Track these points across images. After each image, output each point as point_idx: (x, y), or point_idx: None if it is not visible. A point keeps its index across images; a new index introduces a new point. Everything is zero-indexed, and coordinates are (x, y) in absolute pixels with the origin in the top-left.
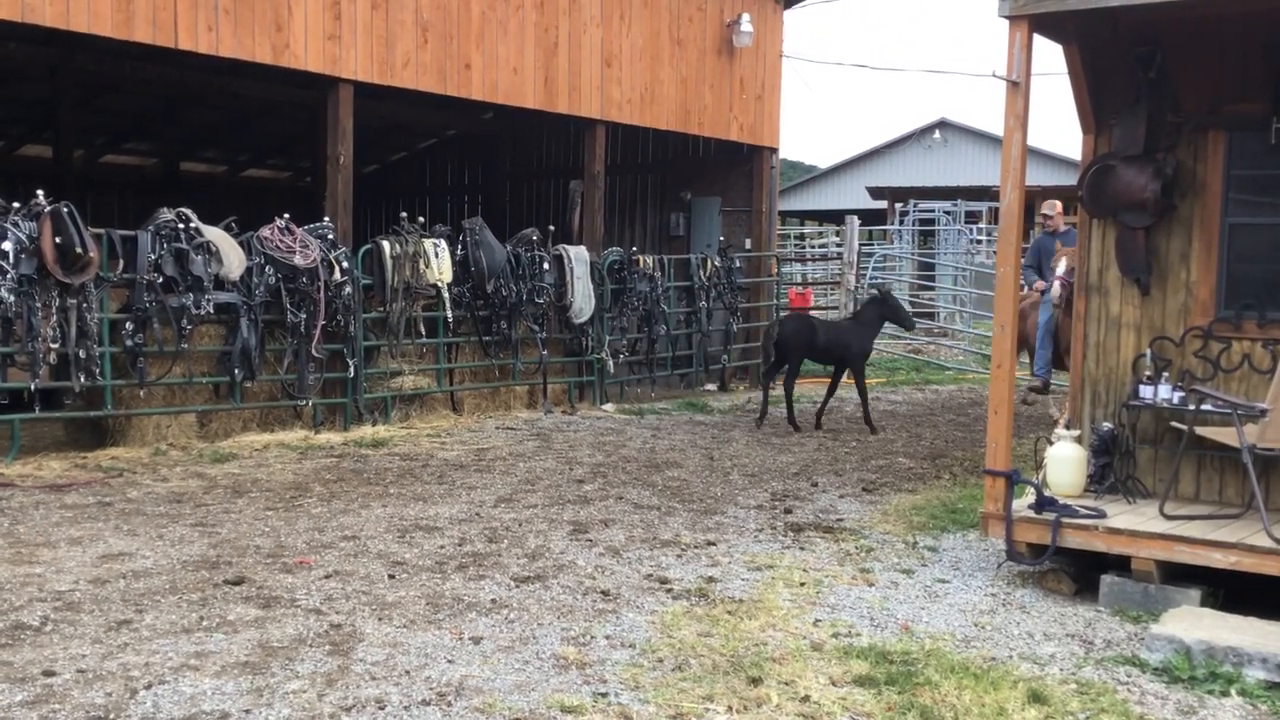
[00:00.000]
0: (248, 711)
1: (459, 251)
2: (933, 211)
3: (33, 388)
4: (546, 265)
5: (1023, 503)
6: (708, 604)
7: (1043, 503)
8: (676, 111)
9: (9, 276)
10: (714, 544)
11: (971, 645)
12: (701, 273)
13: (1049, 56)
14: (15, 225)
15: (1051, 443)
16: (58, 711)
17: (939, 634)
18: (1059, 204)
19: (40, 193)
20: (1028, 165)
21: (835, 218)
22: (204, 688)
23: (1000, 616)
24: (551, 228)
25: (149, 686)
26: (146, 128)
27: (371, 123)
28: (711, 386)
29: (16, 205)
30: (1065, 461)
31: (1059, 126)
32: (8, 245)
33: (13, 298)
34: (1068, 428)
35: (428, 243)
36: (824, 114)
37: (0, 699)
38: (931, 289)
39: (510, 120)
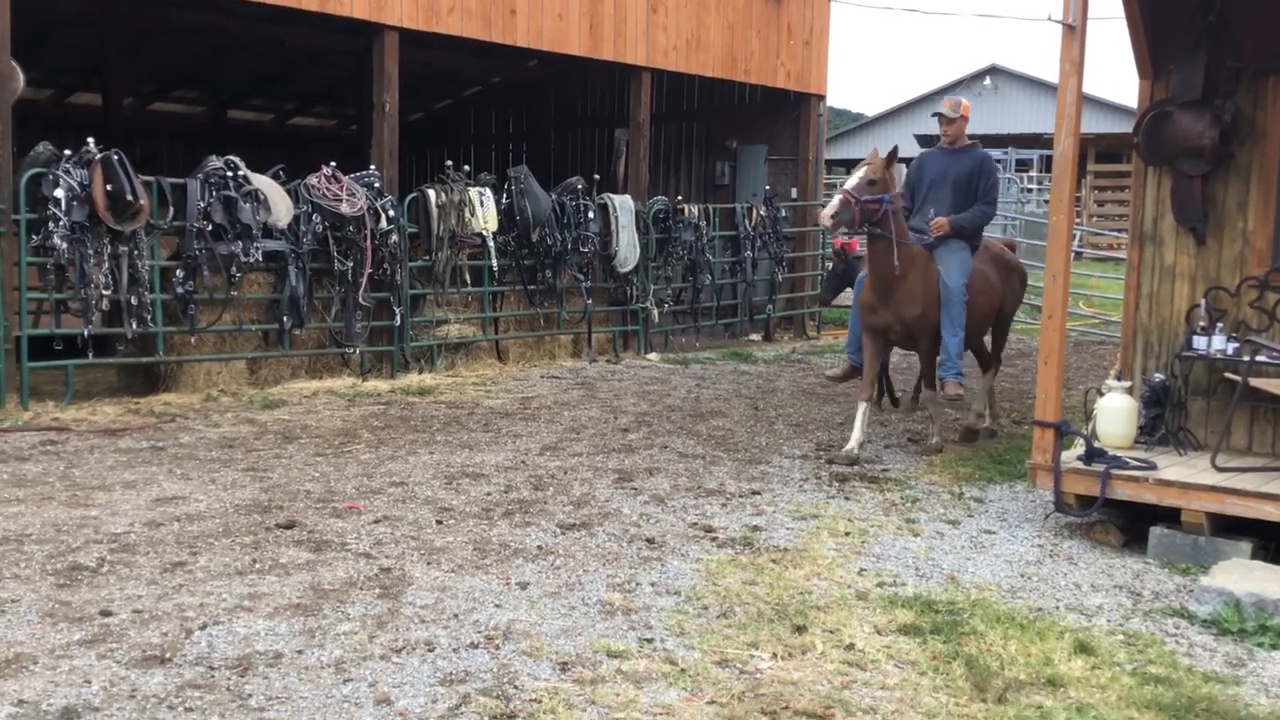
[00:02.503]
0: (300, 652)
1: (504, 200)
2: None
3: (86, 334)
4: (591, 214)
5: (1071, 454)
6: (752, 552)
7: (1092, 454)
8: (722, 58)
9: (61, 224)
10: (759, 493)
11: (1018, 596)
12: (747, 222)
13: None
14: (67, 173)
15: (1102, 394)
16: (115, 650)
17: (985, 584)
18: (964, 102)
19: (91, 140)
20: (1082, 112)
21: None
22: (257, 628)
23: (1047, 567)
24: (596, 176)
25: (204, 627)
26: (194, 75)
27: (417, 70)
28: (756, 336)
29: (68, 153)
30: (1116, 413)
31: (1115, 72)
32: (60, 193)
33: (65, 245)
34: (1118, 378)
35: (473, 191)
36: (872, 60)
37: (59, 638)
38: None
39: (555, 67)
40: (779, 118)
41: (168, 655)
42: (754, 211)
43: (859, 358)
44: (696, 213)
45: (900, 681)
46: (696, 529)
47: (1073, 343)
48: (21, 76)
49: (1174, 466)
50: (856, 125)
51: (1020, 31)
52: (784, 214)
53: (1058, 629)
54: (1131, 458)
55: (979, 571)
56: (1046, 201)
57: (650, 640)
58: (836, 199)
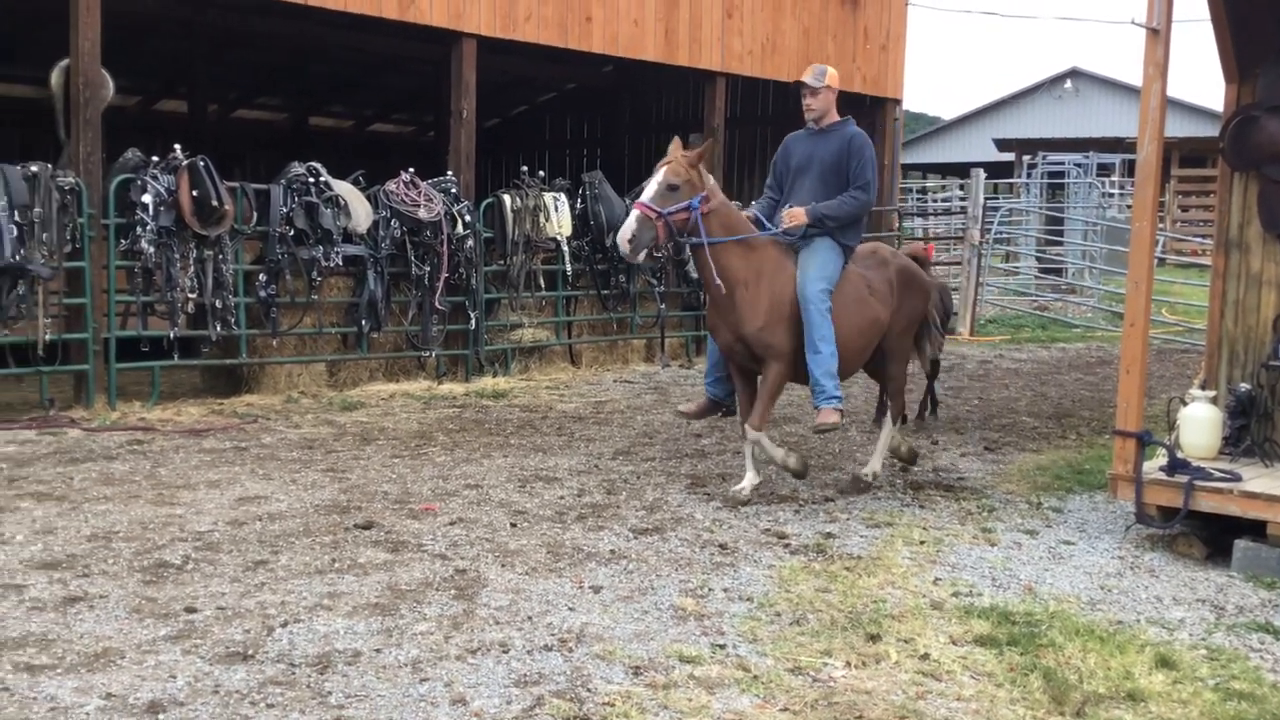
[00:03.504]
0: (378, 651)
1: (578, 205)
2: (1062, 164)
3: (171, 336)
4: None
5: (1154, 464)
6: (826, 560)
7: (1175, 464)
8: (798, 63)
9: (149, 229)
10: (831, 500)
11: (1097, 608)
12: None
13: (1190, 2)
14: (154, 179)
15: (1185, 403)
16: (199, 646)
17: (1064, 596)
18: (831, 71)
19: (178, 147)
20: (1166, 116)
21: (959, 171)
22: (336, 627)
23: (1128, 580)
24: None
25: (285, 624)
26: (277, 82)
27: (493, 77)
28: None
29: (155, 159)
30: (1200, 423)
31: (1200, 75)
32: (148, 198)
33: (153, 249)
34: (1203, 388)
35: (548, 196)
36: (950, 63)
37: (146, 633)
38: (1060, 244)
39: (630, 73)
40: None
41: (250, 652)
42: None
43: (717, 390)
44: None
45: (976, 693)
46: (769, 535)
47: (1155, 351)
48: (111, 84)
49: (1260, 478)
50: (933, 129)
51: (1102, 33)
52: None
53: (1138, 642)
54: (1216, 469)
55: (1057, 583)
56: (1128, 207)
57: (723, 646)
58: (632, 218)
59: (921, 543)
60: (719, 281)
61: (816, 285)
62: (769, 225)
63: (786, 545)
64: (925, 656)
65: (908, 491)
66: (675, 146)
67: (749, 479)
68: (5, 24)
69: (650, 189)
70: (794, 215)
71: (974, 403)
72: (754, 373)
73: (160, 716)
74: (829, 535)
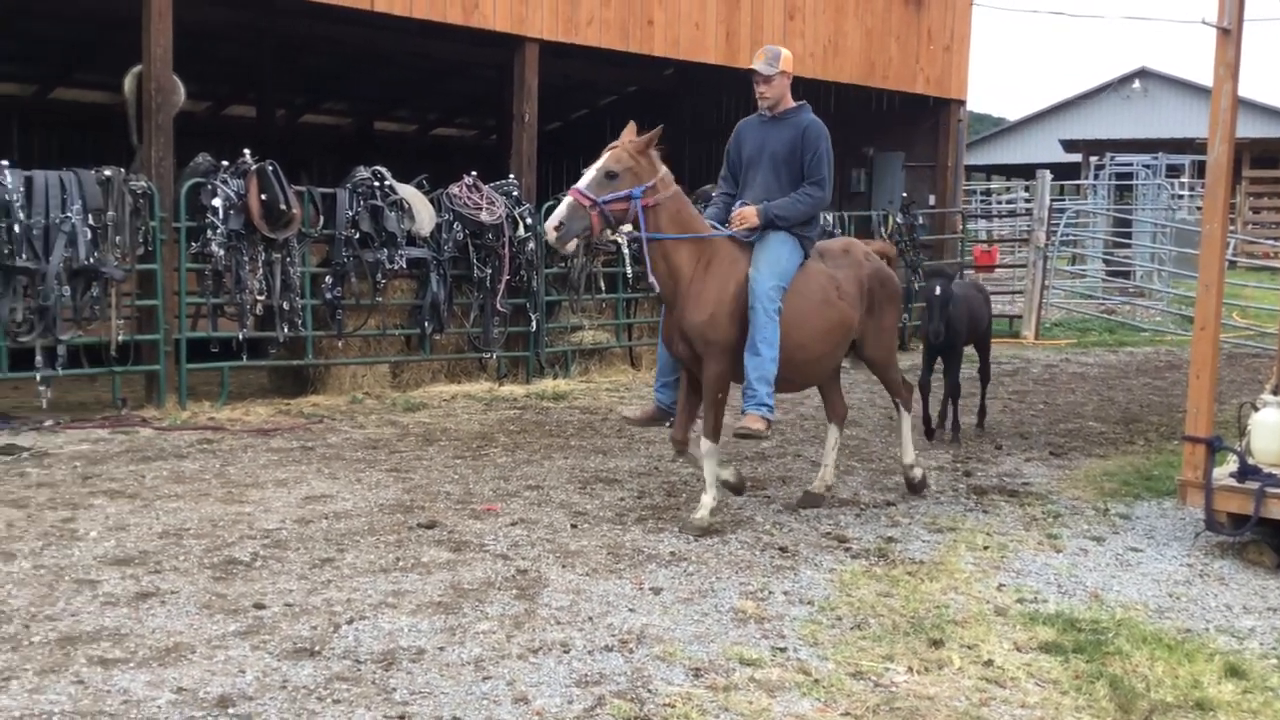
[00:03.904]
0: (441, 649)
1: None
2: (1131, 165)
3: (240, 337)
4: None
5: (1224, 471)
6: (887, 564)
7: (1246, 471)
8: (860, 64)
9: (219, 232)
10: (893, 504)
11: (1165, 616)
12: (883, 230)
13: (1262, 1)
14: (224, 183)
15: (1257, 409)
16: (268, 642)
17: (1131, 603)
18: (785, 53)
19: (247, 151)
20: (1238, 116)
21: (1025, 172)
22: (401, 625)
23: (1196, 588)
24: None
25: (350, 621)
26: (343, 88)
27: (555, 81)
28: None
29: (225, 163)
30: (1271, 428)
31: (1271, 75)
32: (218, 202)
33: (222, 252)
34: (1275, 393)
35: None
36: (1015, 63)
37: (216, 629)
38: (1128, 246)
39: (690, 76)
40: (917, 124)
41: (317, 648)
42: (890, 219)
43: (664, 397)
44: (831, 220)
45: (1041, 700)
46: (830, 539)
47: (1226, 355)
48: (182, 90)
49: None
50: (997, 130)
51: (1171, 33)
52: (921, 221)
53: (1207, 651)
54: None
55: (1124, 590)
56: (1198, 209)
57: (783, 649)
58: (563, 205)
59: (985, 548)
60: (652, 278)
61: (768, 282)
62: (721, 228)
63: (847, 549)
64: (989, 663)
65: (971, 496)
66: (628, 131)
67: (706, 500)
68: (79, 31)
69: (588, 175)
70: (744, 216)
71: (1039, 407)
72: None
73: (230, 710)
74: (890, 539)
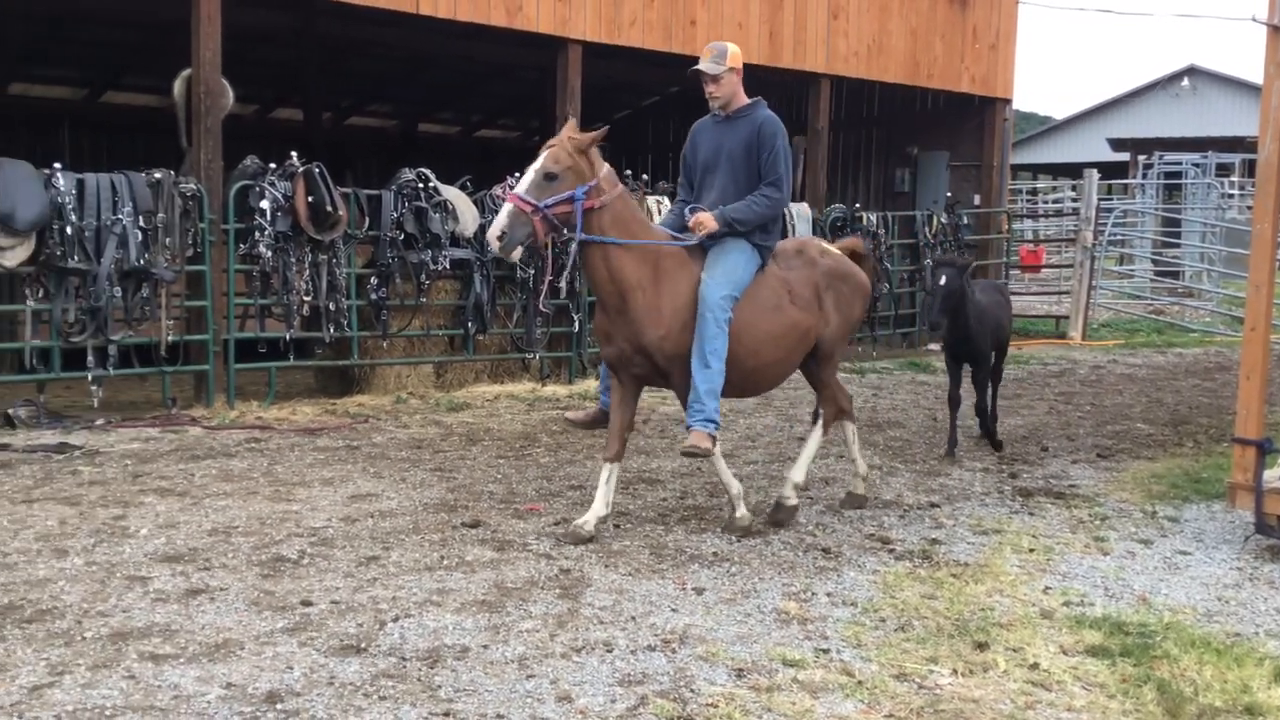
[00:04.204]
0: (485, 647)
1: None
2: (1180, 164)
3: (287, 338)
4: None
5: (1274, 473)
6: (931, 566)
7: None
8: (905, 63)
9: (267, 234)
10: (937, 506)
11: (1214, 620)
12: (927, 229)
13: None
14: (272, 185)
15: None
16: (315, 639)
17: (1179, 607)
18: (732, 50)
19: (294, 154)
20: None
21: (1072, 171)
22: (445, 622)
23: (1246, 591)
24: None
25: (396, 619)
26: (388, 90)
27: (598, 82)
28: (935, 346)
29: (273, 166)
30: None
31: None
32: (265, 204)
33: (270, 253)
34: None
35: (651, 200)
36: (1062, 61)
37: (264, 625)
38: (1177, 246)
39: None
40: (962, 123)
41: (363, 645)
42: (934, 219)
43: (610, 399)
44: (875, 220)
45: (1087, 704)
46: (873, 540)
47: (1276, 356)
48: (231, 93)
49: None
50: (1044, 129)
51: (1221, 30)
52: (966, 221)
53: (1256, 656)
54: None
55: (1173, 593)
56: (1248, 208)
57: (826, 650)
58: (504, 212)
59: (1031, 551)
60: (622, 275)
61: (719, 291)
62: (680, 237)
63: (891, 551)
64: (1034, 666)
65: (1016, 498)
66: (569, 128)
67: (596, 510)
68: (129, 36)
69: (526, 178)
70: (701, 222)
71: (1086, 408)
72: (638, 384)
73: (278, 706)
74: (934, 541)
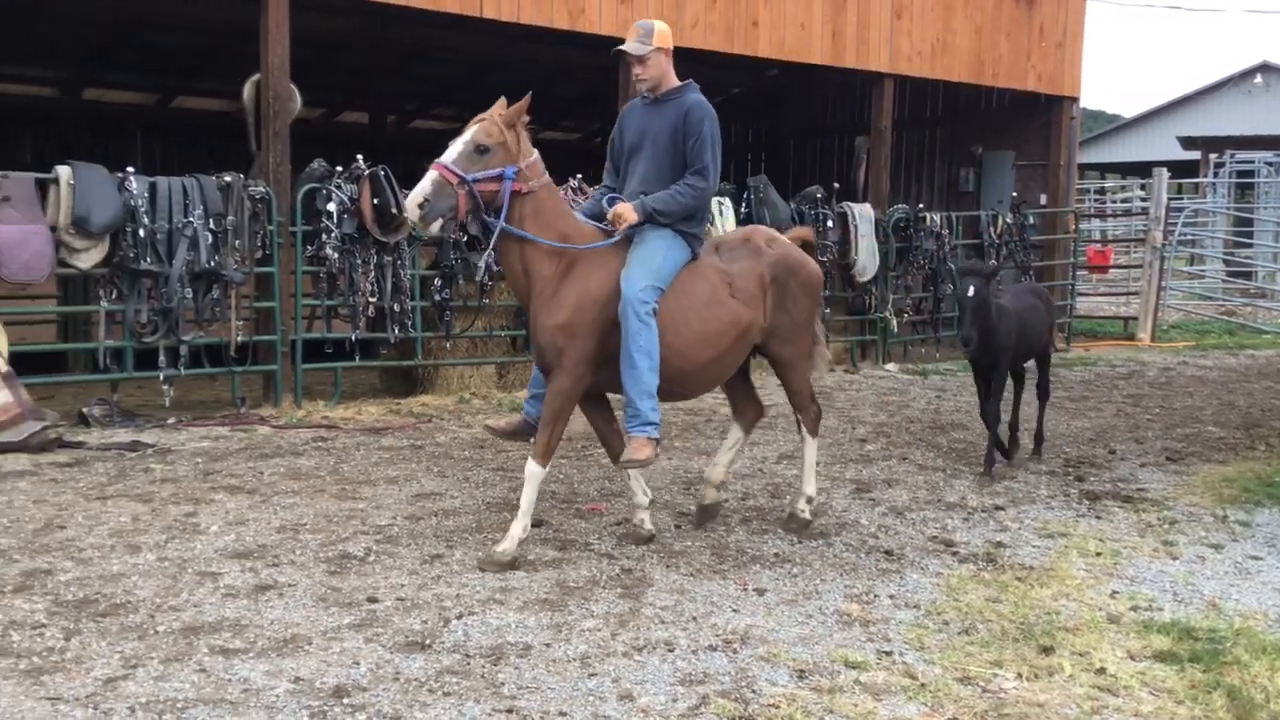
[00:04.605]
0: (548, 645)
1: (743, 209)
2: (1252, 163)
3: (353, 338)
4: (830, 223)
5: None
6: (996, 569)
7: None
8: (969, 62)
9: (333, 235)
10: (1002, 509)
11: None
12: (992, 230)
13: None
14: (338, 188)
15: None
16: (380, 635)
17: (1250, 613)
18: (659, 28)
19: (360, 157)
20: None
21: (1141, 170)
22: (508, 620)
23: None
24: (836, 185)
25: (460, 617)
26: (451, 93)
27: None
28: None
29: (339, 169)
30: None
31: None
32: (332, 206)
33: (336, 255)
34: None
35: (713, 201)
36: (1130, 59)
37: (332, 620)
38: (1249, 246)
39: (795, 76)
40: (1028, 122)
41: (427, 642)
42: (999, 219)
43: (533, 410)
44: (939, 221)
45: (1155, 710)
46: (936, 543)
47: None
48: (298, 98)
49: None
50: (1112, 128)
51: None
52: (1031, 221)
53: None
54: None
55: (1243, 599)
56: None
57: (889, 653)
58: (427, 180)
59: (1098, 554)
60: (536, 267)
61: (640, 283)
62: (604, 227)
63: (955, 553)
64: (1101, 671)
65: (1083, 501)
66: (499, 105)
67: (515, 529)
68: (199, 41)
69: (454, 148)
70: (620, 214)
71: (1155, 411)
72: (599, 391)
73: (345, 700)
74: (999, 544)
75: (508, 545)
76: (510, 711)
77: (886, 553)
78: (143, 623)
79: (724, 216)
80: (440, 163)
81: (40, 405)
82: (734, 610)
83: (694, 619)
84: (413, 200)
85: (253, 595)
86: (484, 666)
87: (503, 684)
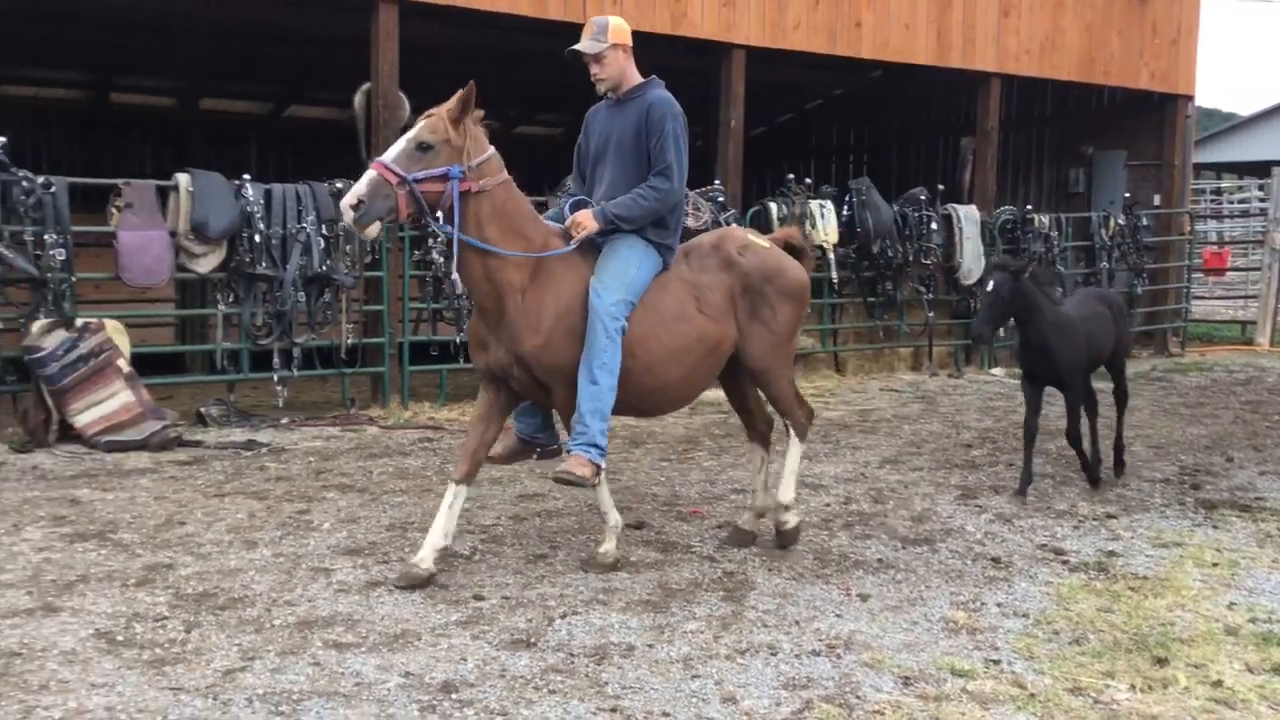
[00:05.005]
0: (651, 646)
1: (845, 212)
2: None
3: (458, 340)
4: (934, 225)
5: None
6: (1108, 578)
7: None
8: (1079, 60)
9: (439, 239)
10: (1114, 517)
11: None
12: (1103, 232)
13: None
14: None
15: None
16: (487, 632)
17: None
18: (615, 24)
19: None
20: None
21: (1259, 170)
22: (611, 621)
23: None
24: (941, 186)
25: (564, 616)
26: (556, 99)
27: (760, 86)
28: None
29: None
30: None
31: None
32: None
33: (442, 259)
34: None
35: (814, 204)
36: (1247, 55)
37: (439, 618)
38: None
39: (898, 77)
40: (1141, 121)
41: (532, 640)
42: (1111, 220)
43: (524, 425)
44: (1047, 222)
45: None
46: (1045, 551)
47: None
48: (408, 105)
49: None
50: (1228, 126)
51: None
52: (1145, 223)
53: None
54: None
55: None
56: None
57: (997, 661)
58: (364, 179)
59: (1214, 565)
60: (455, 276)
61: (611, 296)
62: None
63: (1065, 562)
64: (1218, 683)
65: (1199, 510)
66: (458, 99)
67: (431, 541)
68: (311, 51)
69: (395, 145)
70: (578, 222)
71: (1275, 418)
72: (513, 398)
73: (453, 696)
74: (1111, 553)
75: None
76: (614, 711)
77: (994, 560)
78: (259, 616)
79: (825, 219)
80: (379, 161)
81: (160, 405)
82: (837, 615)
83: (797, 623)
84: (347, 201)
85: (364, 591)
86: (588, 666)
87: (606, 683)
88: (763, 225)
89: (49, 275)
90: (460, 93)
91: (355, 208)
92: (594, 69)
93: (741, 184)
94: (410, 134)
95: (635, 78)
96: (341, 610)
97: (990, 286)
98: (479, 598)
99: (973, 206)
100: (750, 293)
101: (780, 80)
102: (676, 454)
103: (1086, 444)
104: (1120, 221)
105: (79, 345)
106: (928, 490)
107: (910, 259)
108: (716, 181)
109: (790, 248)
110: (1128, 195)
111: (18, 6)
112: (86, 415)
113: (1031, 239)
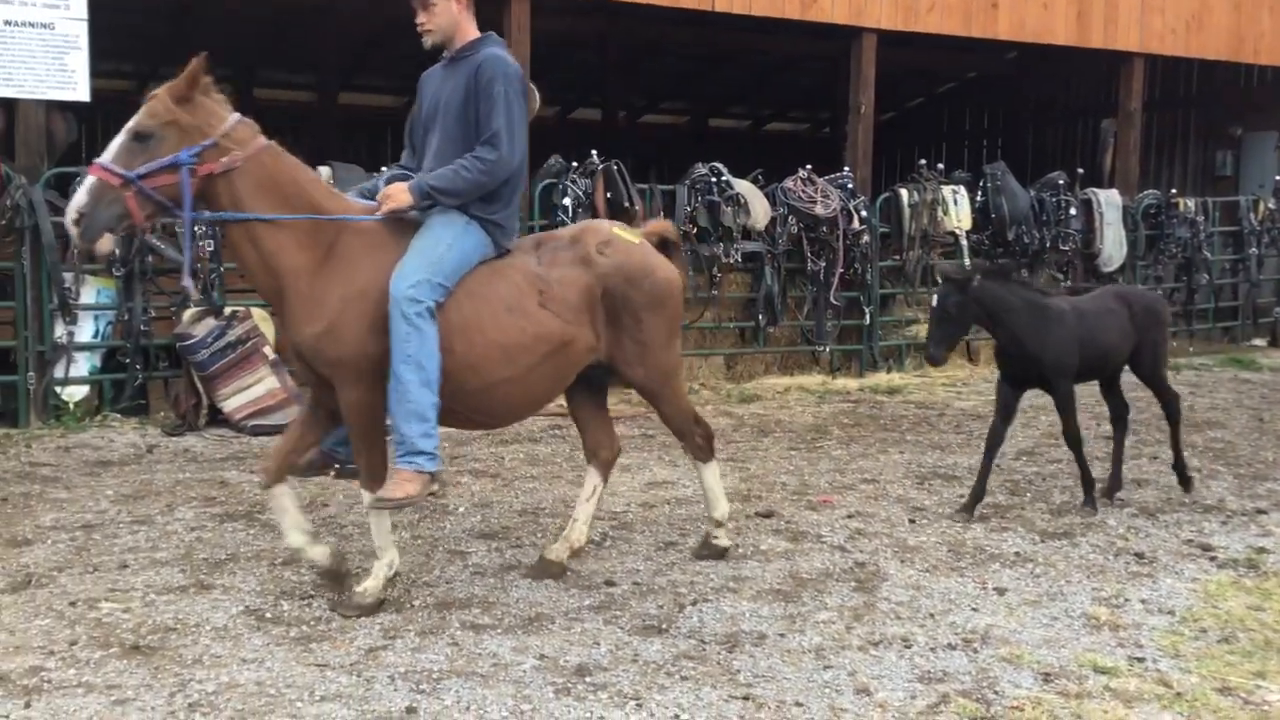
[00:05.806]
0: (782, 635)
1: (979, 198)
2: None
3: None
4: (1073, 210)
5: None
6: (1258, 576)
7: None
8: (1228, 39)
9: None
10: (1264, 513)
11: None
12: (1252, 216)
13: None
14: (573, 183)
15: None
16: (619, 617)
17: None
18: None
19: (594, 152)
20: None
21: None
22: (742, 609)
23: None
24: (1080, 170)
25: (694, 603)
26: (681, 88)
27: (890, 70)
28: (1260, 342)
29: (574, 164)
30: None
31: None
32: (567, 200)
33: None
34: None
35: (946, 190)
36: None
37: (572, 602)
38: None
39: (1034, 59)
40: None
41: (664, 626)
42: (1260, 204)
43: (330, 437)
44: (1193, 207)
45: None
46: (1192, 546)
47: None
48: (538, 97)
49: None
50: None
51: None
52: None
53: None
54: None
55: None
56: None
57: (1140, 659)
58: (83, 188)
59: None
60: (186, 281)
61: (411, 278)
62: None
63: (1212, 558)
64: None
65: None
66: (186, 72)
67: (380, 569)
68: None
69: (113, 142)
70: (391, 194)
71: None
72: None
73: (587, 679)
74: (1262, 550)
75: (373, 583)
76: (746, 699)
77: (1137, 556)
78: (400, 597)
79: (958, 205)
80: (97, 163)
81: (302, 391)
82: (973, 609)
83: (931, 616)
84: (69, 216)
85: (499, 574)
86: (719, 653)
87: (738, 671)
88: (892, 212)
89: (199, 265)
90: (190, 66)
91: (77, 222)
92: (421, 17)
93: (871, 170)
94: (131, 125)
95: (470, 32)
96: (477, 593)
97: (934, 302)
98: (610, 583)
99: (1114, 191)
100: (611, 296)
101: (912, 64)
102: (805, 443)
103: (1092, 451)
104: (1271, 206)
105: (227, 333)
106: (1066, 483)
107: (1048, 245)
108: (845, 169)
109: (662, 245)
110: (1279, 179)
111: (164, 7)
112: (234, 400)
113: (1176, 224)
